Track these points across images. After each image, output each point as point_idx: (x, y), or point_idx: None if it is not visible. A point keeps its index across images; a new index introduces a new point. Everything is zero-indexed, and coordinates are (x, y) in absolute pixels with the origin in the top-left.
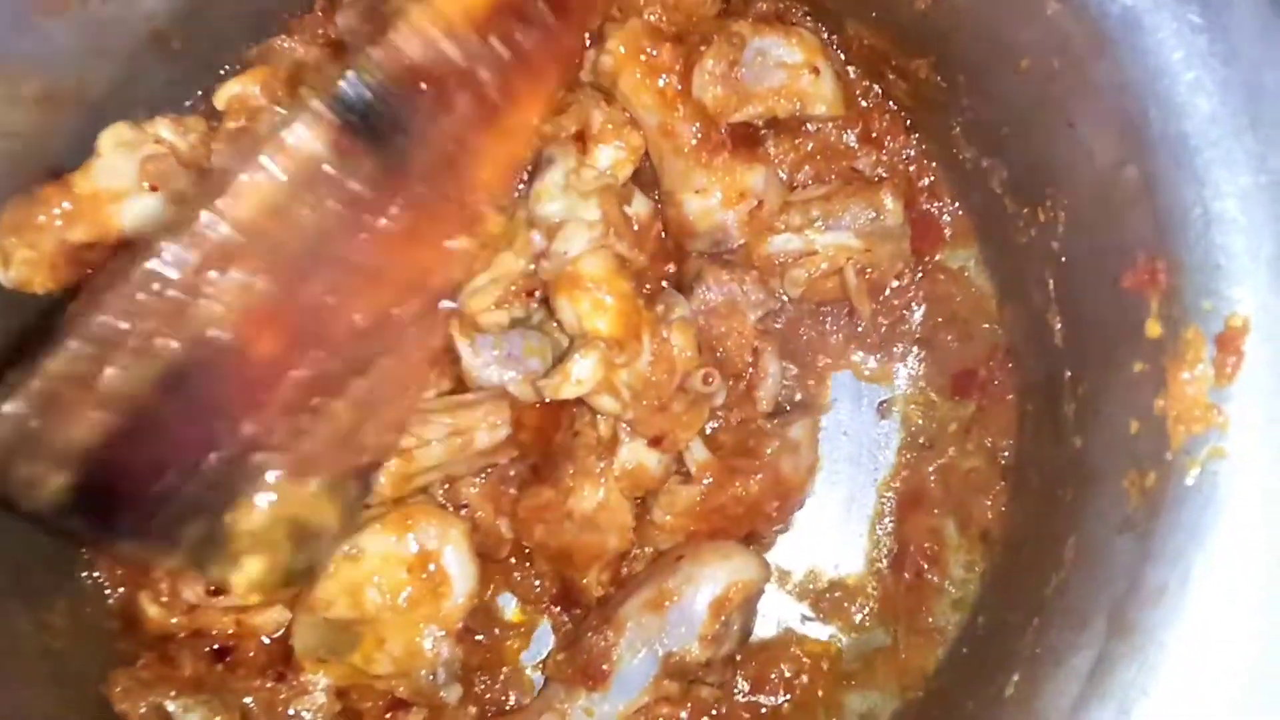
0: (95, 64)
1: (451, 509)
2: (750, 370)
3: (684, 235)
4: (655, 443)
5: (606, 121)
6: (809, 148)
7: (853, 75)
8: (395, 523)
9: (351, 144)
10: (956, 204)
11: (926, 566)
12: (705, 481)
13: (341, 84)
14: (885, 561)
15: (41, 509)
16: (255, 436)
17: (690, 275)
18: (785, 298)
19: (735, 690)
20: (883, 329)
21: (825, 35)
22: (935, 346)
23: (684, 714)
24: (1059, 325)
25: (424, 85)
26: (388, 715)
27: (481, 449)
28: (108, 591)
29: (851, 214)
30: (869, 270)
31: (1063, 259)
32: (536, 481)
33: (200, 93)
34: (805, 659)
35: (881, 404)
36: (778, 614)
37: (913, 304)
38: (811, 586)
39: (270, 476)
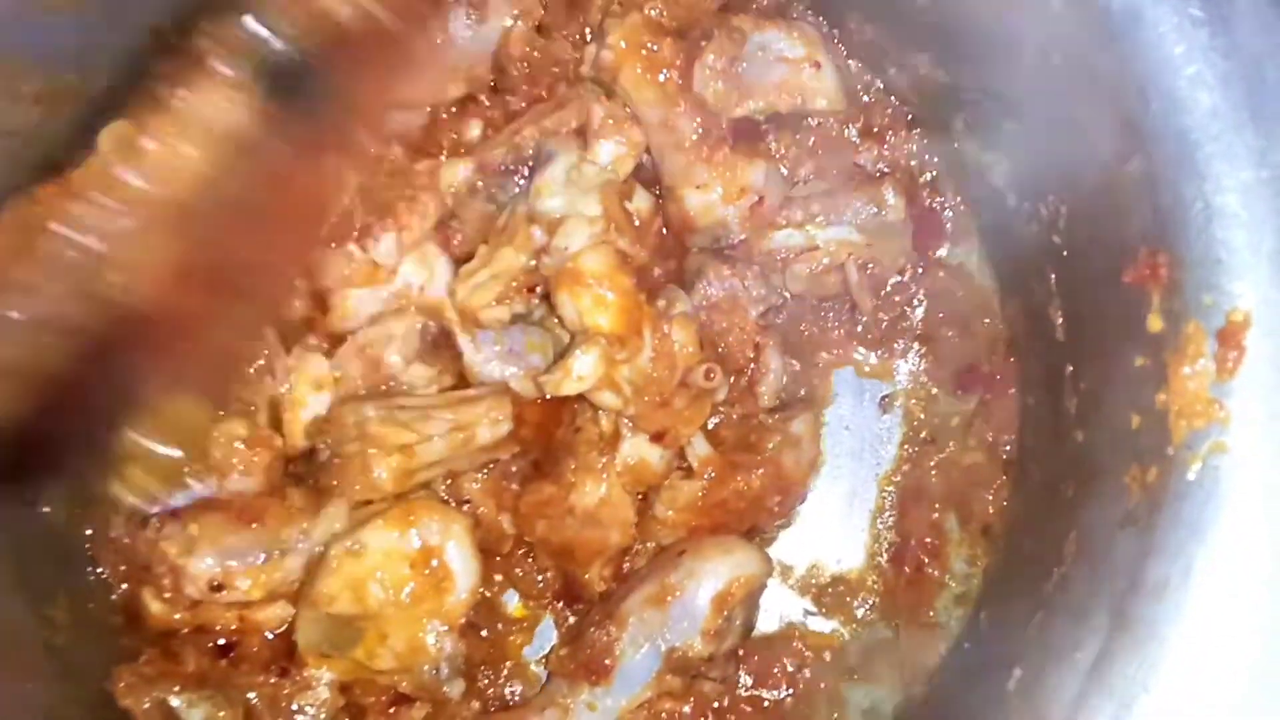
0: (95, 61)
1: (453, 504)
2: (752, 365)
3: (685, 231)
4: (657, 438)
5: (607, 117)
6: (810, 143)
7: (854, 70)
8: (398, 518)
9: (272, 104)
10: (958, 199)
11: (927, 561)
12: (707, 476)
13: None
14: (886, 556)
15: None
16: (142, 369)
17: (691, 271)
18: (787, 293)
19: (737, 684)
20: (884, 324)
21: (826, 30)
22: (937, 341)
23: (686, 708)
24: (1060, 320)
25: (334, 33)
26: (391, 710)
27: (483, 444)
28: (111, 587)
29: (853, 209)
30: (870, 266)
31: (1064, 253)
32: (538, 477)
33: None
34: (808, 653)
35: (883, 399)
36: (780, 608)
37: (914, 299)
38: (813, 581)
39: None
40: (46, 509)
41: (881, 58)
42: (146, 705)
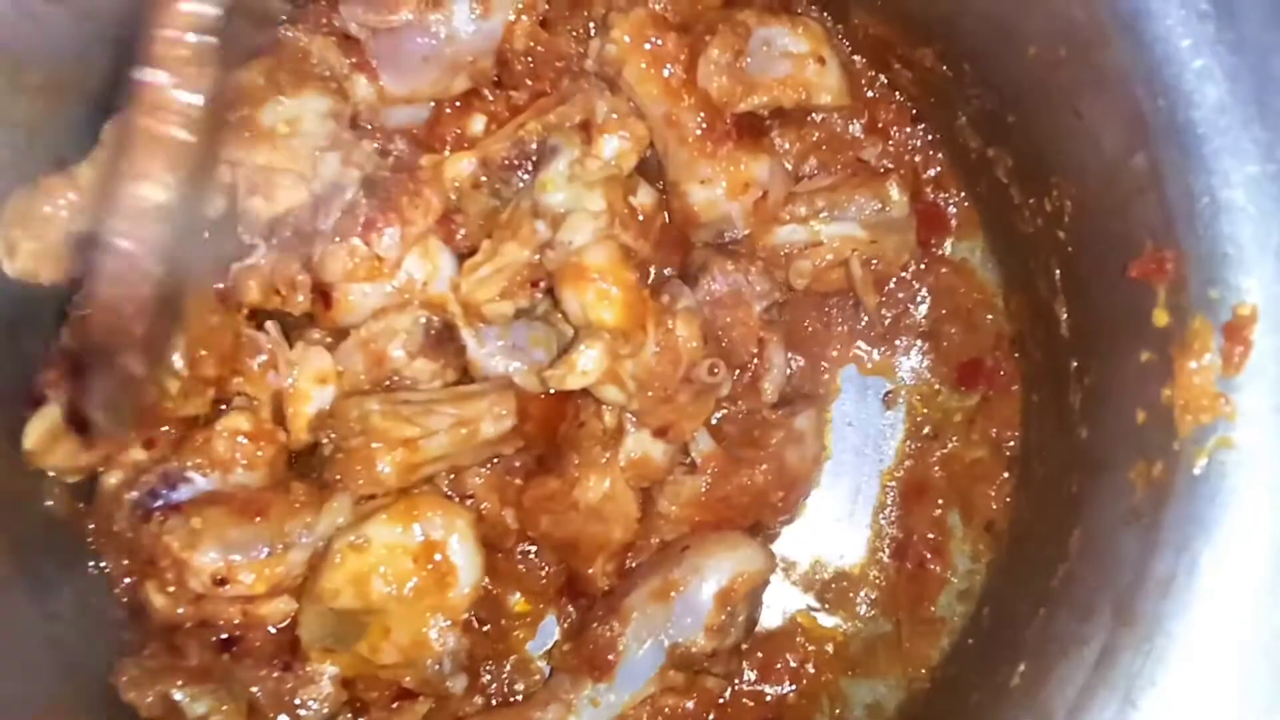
0: (98, 53)
1: (457, 499)
2: (755, 361)
3: (689, 226)
4: (660, 433)
5: (611, 111)
6: (814, 138)
7: (858, 65)
8: (401, 513)
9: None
10: (962, 194)
11: (929, 556)
12: (710, 472)
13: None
14: (888, 552)
15: None
16: None
17: (695, 266)
18: (790, 289)
19: (741, 680)
20: (887, 320)
21: (831, 24)
22: (940, 338)
23: (689, 704)
24: (1065, 315)
25: None
26: (394, 705)
27: (487, 439)
28: (114, 581)
29: (857, 205)
30: (874, 261)
31: (1069, 248)
32: (542, 472)
33: None
34: (810, 648)
35: (886, 394)
36: (782, 604)
37: (918, 295)
38: (816, 577)
39: None
40: (49, 503)
41: (886, 52)
42: (149, 699)
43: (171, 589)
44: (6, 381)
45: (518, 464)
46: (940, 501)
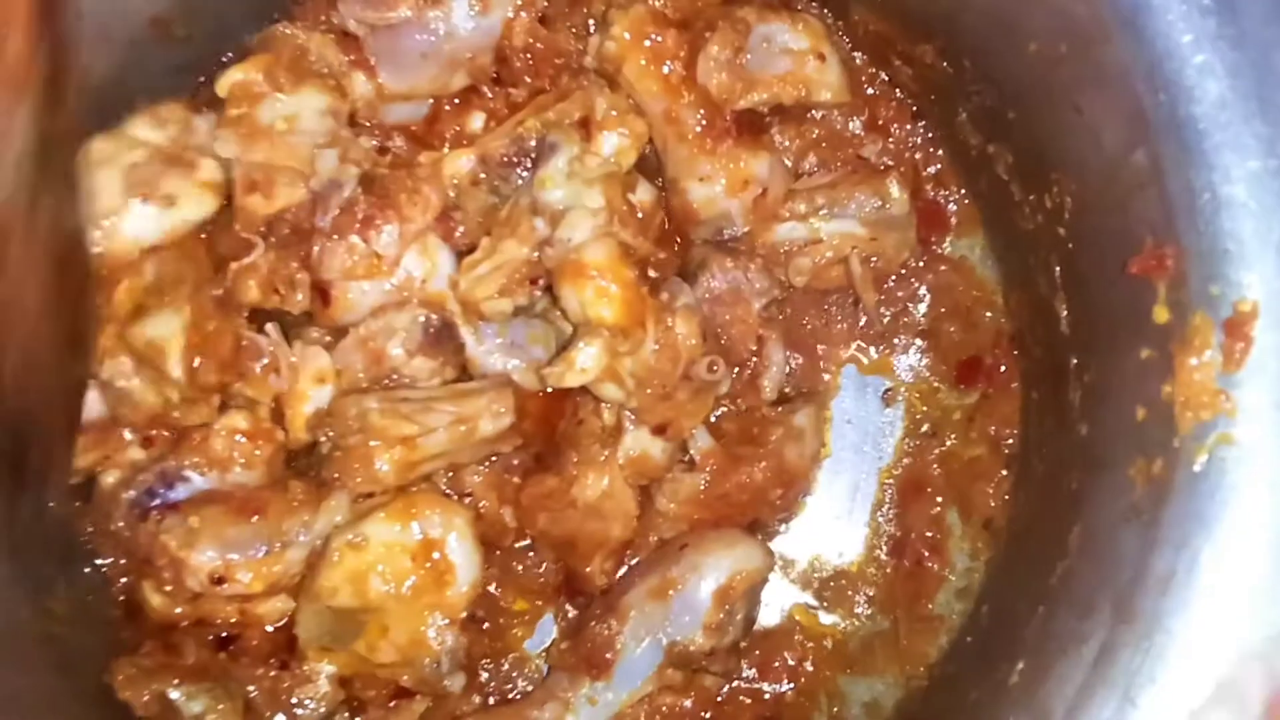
0: (96, 51)
1: (455, 497)
2: (754, 358)
3: (688, 223)
4: (659, 431)
5: (610, 108)
6: (814, 135)
7: (859, 62)
8: (399, 511)
9: None
10: (963, 191)
11: (927, 554)
12: (709, 470)
13: None
14: (885, 549)
15: None
16: None
17: (694, 263)
18: (790, 286)
19: (739, 678)
20: (887, 318)
21: (831, 21)
22: (940, 335)
23: (687, 702)
24: (1065, 312)
25: None
26: (391, 704)
27: (485, 437)
28: (111, 579)
29: (857, 202)
30: (874, 259)
31: (1069, 245)
32: (540, 470)
33: (202, 80)
34: (809, 645)
35: (885, 392)
36: (781, 602)
37: (917, 293)
38: (815, 575)
39: None
40: (51, 504)
41: (886, 49)
42: (145, 698)
43: (168, 588)
44: None
45: (516, 462)
46: (939, 499)
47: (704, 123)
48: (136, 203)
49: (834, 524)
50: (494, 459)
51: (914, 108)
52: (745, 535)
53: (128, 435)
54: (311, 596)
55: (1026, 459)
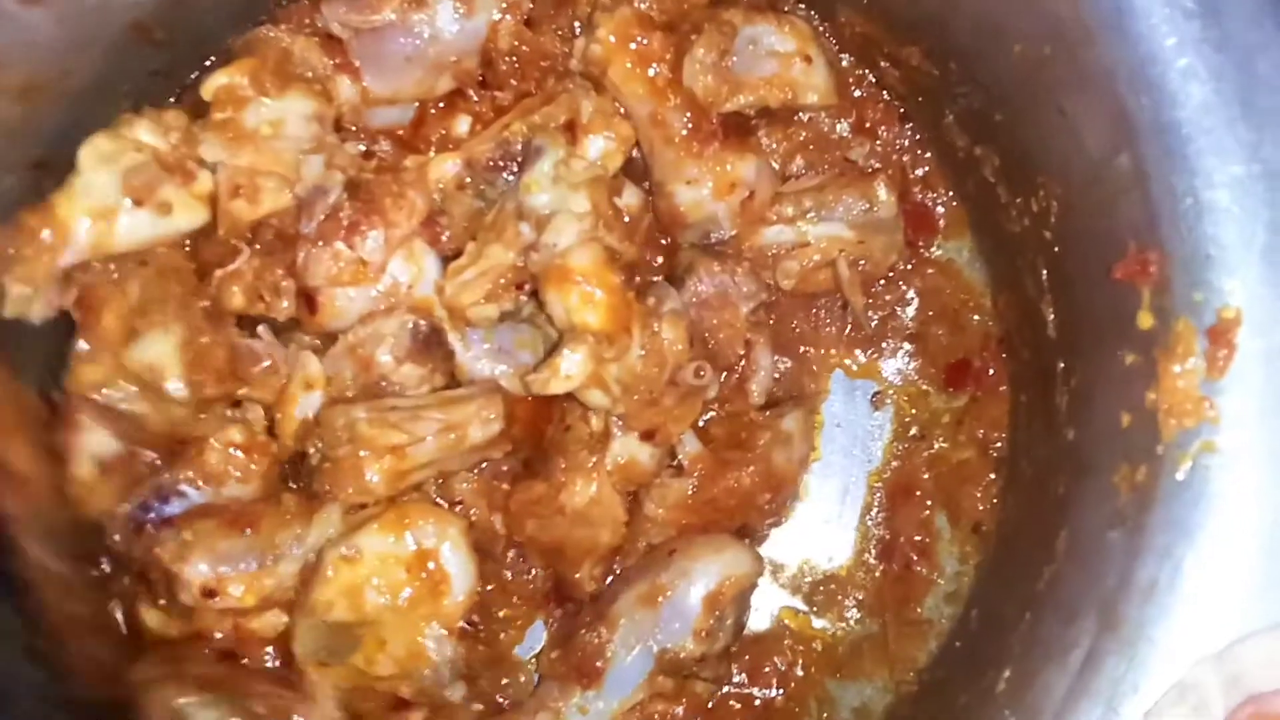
0: (78, 55)
1: (446, 506)
2: (742, 363)
3: (675, 227)
4: (647, 436)
5: (596, 111)
6: (801, 138)
7: (845, 64)
8: (392, 522)
9: None
10: (950, 194)
11: (915, 558)
12: (697, 474)
13: None
14: (874, 553)
15: None
16: None
17: (681, 267)
18: (778, 290)
19: (729, 683)
20: (875, 321)
21: (817, 23)
22: (928, 338)
23: (679, 710)
24: (1052, 316)
25: None
26: (390, 715)
27: (475, 444)
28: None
29: (844, 205)
30: (862, 262)
31: (1056, 248)
32: (528, 476)
33: (188, 82)
34: (799, 648)
35: (874, 396)
36: (770, 607)
37: (905, 296)
38: (804, 579)
39: None
40: None
41: (872, 51)
42: (154, 707)
43: (163, 602)
44: None
45: (505, 468)
46: (928, 503)
47: (690, 126)
48: (131, 205)
49: (823, 528)
50: (483, 466)
51: (901, 110)
52: (734, 540)
53: (148, 454)
54: (307, 611)
55: (1015, 462)
